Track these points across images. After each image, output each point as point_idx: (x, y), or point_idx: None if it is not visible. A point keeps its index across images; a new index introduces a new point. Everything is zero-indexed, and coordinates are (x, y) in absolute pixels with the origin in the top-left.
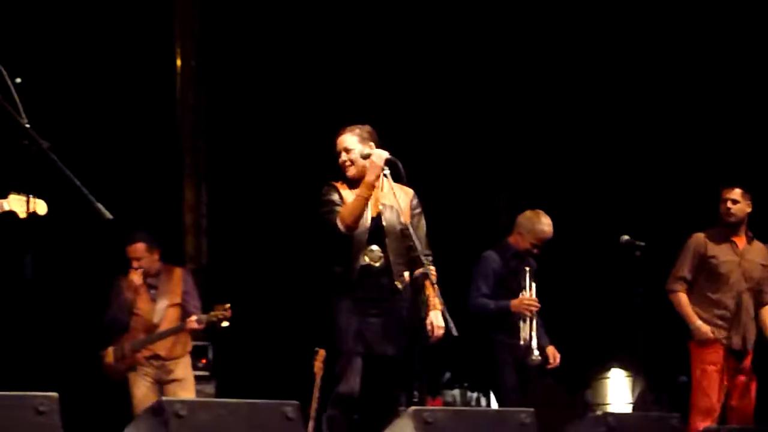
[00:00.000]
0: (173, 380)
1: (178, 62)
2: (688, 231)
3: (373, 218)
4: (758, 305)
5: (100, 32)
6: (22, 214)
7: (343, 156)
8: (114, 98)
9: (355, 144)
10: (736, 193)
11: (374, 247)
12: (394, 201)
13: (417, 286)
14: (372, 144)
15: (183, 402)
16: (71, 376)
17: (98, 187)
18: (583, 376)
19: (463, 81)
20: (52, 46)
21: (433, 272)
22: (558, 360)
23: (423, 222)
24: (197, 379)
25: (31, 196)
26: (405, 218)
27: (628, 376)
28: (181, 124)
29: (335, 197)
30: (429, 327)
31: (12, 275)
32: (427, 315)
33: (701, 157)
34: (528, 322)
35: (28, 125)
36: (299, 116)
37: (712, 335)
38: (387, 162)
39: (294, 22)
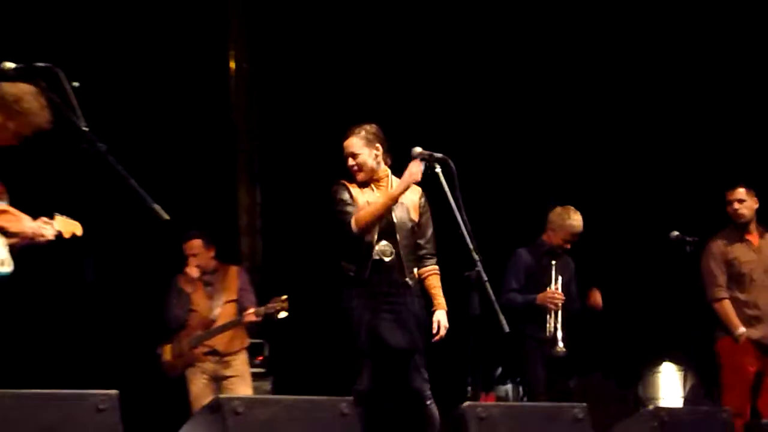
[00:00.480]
0: (230, 376)
1: (232, 65)
2: None
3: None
4: None
5: (156, 37)
6: (67, 235)
7: (350, 161)
8: (170, 101)
9: (361, 148)
10: (740, 192)
11: (385, 243)
12: (405, 198)
13: (423, 282)
14: (379, 146)
15: (240, 399)
16: (130, 375)
17: (155, 189)
18: (635, 372)
19: (514, 85)
20: (110, 50)
21: (438, 272)
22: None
23: (430, 221)
24: (254, 376)
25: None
26: (415, 215)
27: (679, 371)
28: (235, 126)
29: (346, 196)
30: (436, 326)
31: (73, 278)
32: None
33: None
34: (553, 315)
35: (86, 128)
36: (351, 116)
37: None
38: (440, 161)
39: (346, 26)
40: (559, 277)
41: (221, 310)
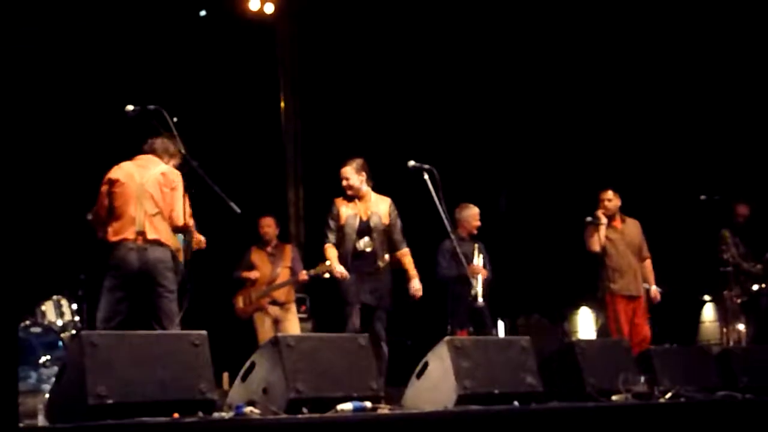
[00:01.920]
0: (285, 319)
1: (282, 105)
2: None
3: (363, 221)
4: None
5: (227, 81)
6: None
7: (344, 182)
8: (239, 128)
9: (352, 174)
10: (610, 194)
11: (366, 239)
12: (378, 209)
13: (395, 263)
14: (364, 173)
15: (292, 336)
16: (214, 319)
17: (230, 190)
18: (562, 313)
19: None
20: (196, 94)
21: (408, 253)
22: None
23: (399, 221)
24: (300, 320)
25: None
26: (385, 220)
27: (592, 312)
28: (285, 146)
29: (333, 212)
30: (412, 289)
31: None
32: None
33: None
34: (477, 280)
35: (184, 151)
36: (365, 136)
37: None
38: (428, 171)
39: (372, 67)
40: (481, 255)
41: (280, 273)
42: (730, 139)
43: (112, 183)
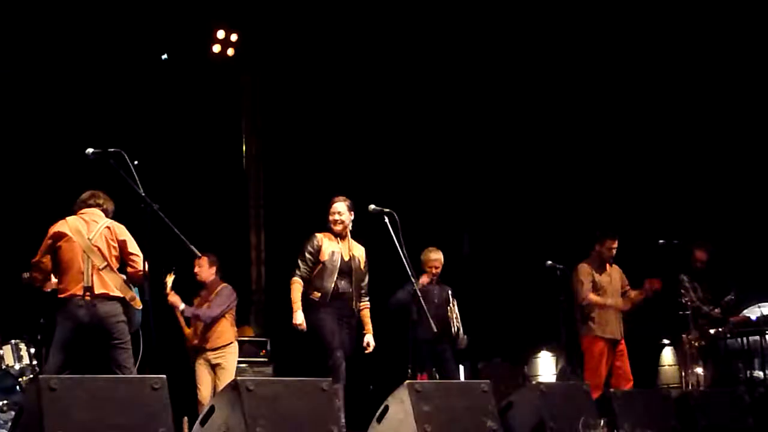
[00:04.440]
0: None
1: (244, 148)
2: None
3: (345, 261)
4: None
5: (189, 124)
6: None
7: (337, 217)
8: (200, 172)
9: (346, 210)
10: (615, 242)
11: (345, 282)
12: (357, 253)
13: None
14: (352, 213)
15: (251, 380)
16: (173, 363)
17: (191, 233)
18: (522, 357)
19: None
20: (157, 137)
21: (368, 306)
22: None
23: (367, 271)
24: (259, 363)
25: None
26: (363, 266)
27: (552, 356)
28: (248, 190)
29: (314, 244)
30: (365, 343)
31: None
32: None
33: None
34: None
35: (143, 193)
36: (341, 191)
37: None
38: (388, 214)
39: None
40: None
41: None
42: (690, 183)
43: (59, 237)
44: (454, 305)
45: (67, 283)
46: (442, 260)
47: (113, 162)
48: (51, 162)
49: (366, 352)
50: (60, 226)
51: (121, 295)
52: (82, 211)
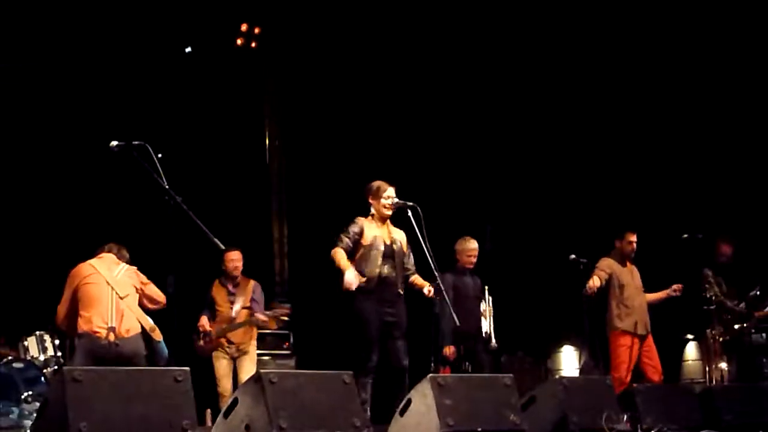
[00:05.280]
0: (241, 359)
1: (267, 141)
2: None
3: (387, 244)
4: None
5: (213, 118)
6: None
7: (391, 201)
8: (223, 164)
9: (394, 193)
10: (635, 236)
11: (389, 264)
12: (398, 237)
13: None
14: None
15: (275, 373)
16: (197, 355)
17: (214, 225)
18: (545, 351)
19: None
20: (181, 130)
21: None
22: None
23: (411, 252)
24: (281, 356)
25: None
26: (405, 249)
27: (575, 350)
28: (270, 183)
29: (353, 230)
30: (426, 290)
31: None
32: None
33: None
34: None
35: (167, 186)
36: (365, 184)
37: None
38: (411, 208)
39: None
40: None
41: (239, 312)
42: (713, 177)
43: (82, 276)
44: (488, 303)
45: (91, 315)
46: (478, 249)
47: (137, 155)
48: (76, 155)
49: (428, 296)
50: (82, 268)
51: (142, 326)
52: (99, 255)
